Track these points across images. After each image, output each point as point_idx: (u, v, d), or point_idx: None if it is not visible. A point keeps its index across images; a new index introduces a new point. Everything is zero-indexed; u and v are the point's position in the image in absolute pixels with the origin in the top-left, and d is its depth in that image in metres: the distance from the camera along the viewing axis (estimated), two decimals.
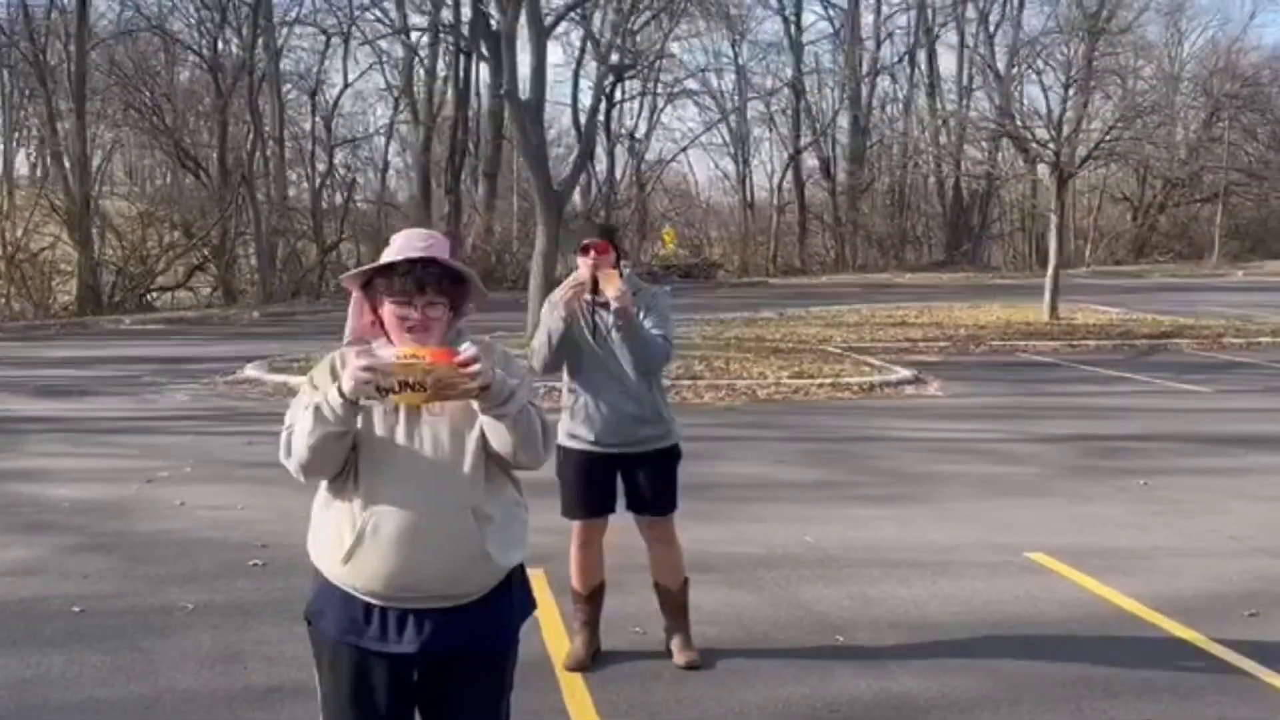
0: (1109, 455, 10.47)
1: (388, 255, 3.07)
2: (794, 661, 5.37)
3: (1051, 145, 24.26)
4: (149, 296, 33.09)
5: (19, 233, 31.08)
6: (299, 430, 2.99)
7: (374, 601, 3.03)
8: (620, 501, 5.34)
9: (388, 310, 3.05)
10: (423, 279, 3.00)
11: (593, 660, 5.24)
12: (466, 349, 2.92)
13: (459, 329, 3.16)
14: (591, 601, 5.33)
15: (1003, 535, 7.55)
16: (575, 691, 4.99)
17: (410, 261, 3.02)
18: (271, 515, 7.89)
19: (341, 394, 2.90)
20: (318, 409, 2.93)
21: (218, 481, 9.31)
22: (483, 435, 3.02)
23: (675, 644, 5.31)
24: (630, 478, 5.24)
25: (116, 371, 17.24)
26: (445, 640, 3.03)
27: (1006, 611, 6.06)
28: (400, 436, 3.01)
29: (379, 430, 3.01)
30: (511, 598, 3.15)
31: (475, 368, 2.86)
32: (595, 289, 5.03)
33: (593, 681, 5.08)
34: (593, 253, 5.08)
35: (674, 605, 5.37)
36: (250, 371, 16.04)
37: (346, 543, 3.00)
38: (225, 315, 29.69)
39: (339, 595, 3.06)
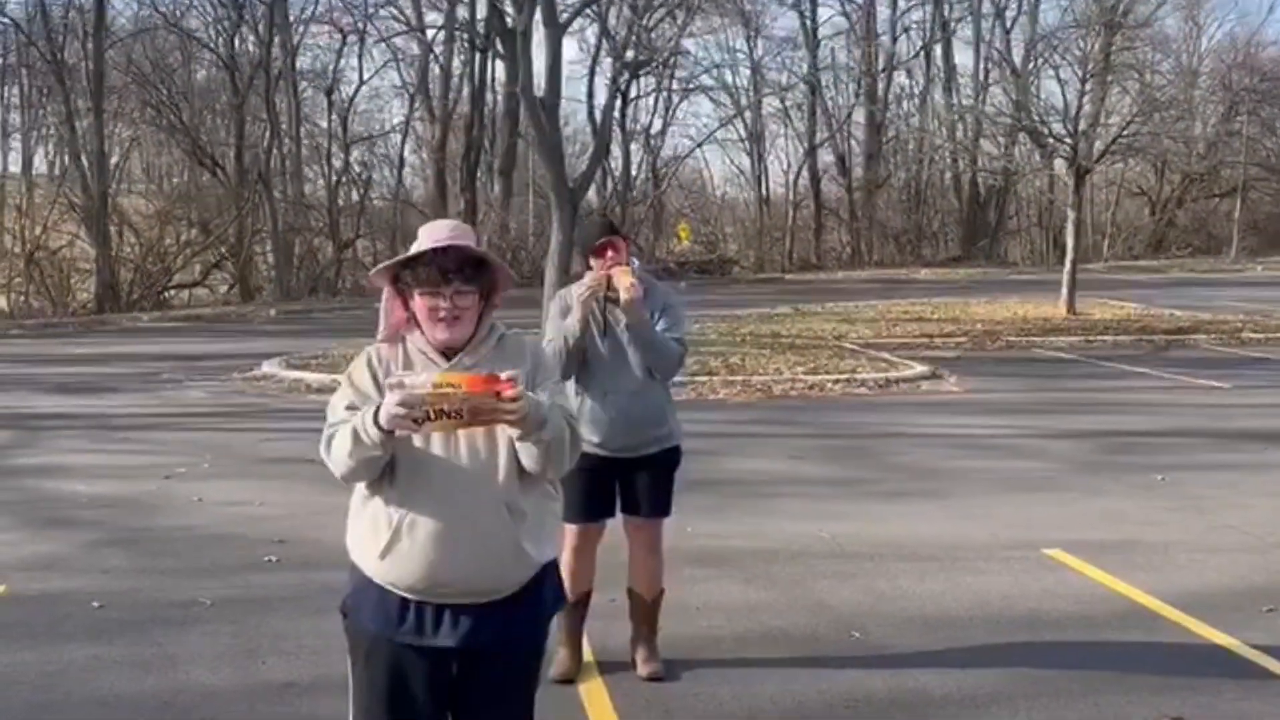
0: (1127, 451, 10.43)
1: (414, 248, 3.09)
2: (809, 656, 5.37)
3: (1068, 140, 24.16)
4: (166, 294, 33.18)
5: (38, 230, 31.21)
6: (338, 443, 3.00)
7: (410, 597, 3.05)
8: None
9: (419, 303, 3.06)
10: (446, 267, 3.02)
11: (579, 670, 5.12)
12: (509, 379, 2.87)
13: (493, 323, 3.17)
14: (579, 608, 5.17)
15: (1019, 531, 7.54)
16: (592, 687, 5.00)
17: (434, 251, 3.03)
18: (288, 511, 7.93)
19: (378, 424, 2.90)
20: (356, 433, 2.94)
21: (235, 477, 9.35)
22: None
23: (640, 654, 5.17)
24: (628, 479, 5.12)
25: (134, 368, 17.31)
26: (481, 635, 3.05)
27: (1023, 607, 6.05)
28: (436, 437, 3.02)
29: (415, 435, 3.01)
30: (544, 592, 3.17)
31: (515, 406, 2.84)
32: (611, 288, 4.98)
33: (609, 678, 5.09)
34: (610, 252, 5.04)
35: (644, 614, 5.23)
36: (267, 368, 16.10)
37: (383, 539, 3.03)
38: (242, 312, 29.78)
39: (376, 590, 3.08)
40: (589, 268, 5.14)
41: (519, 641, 3.14)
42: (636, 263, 5.23)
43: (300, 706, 4.79)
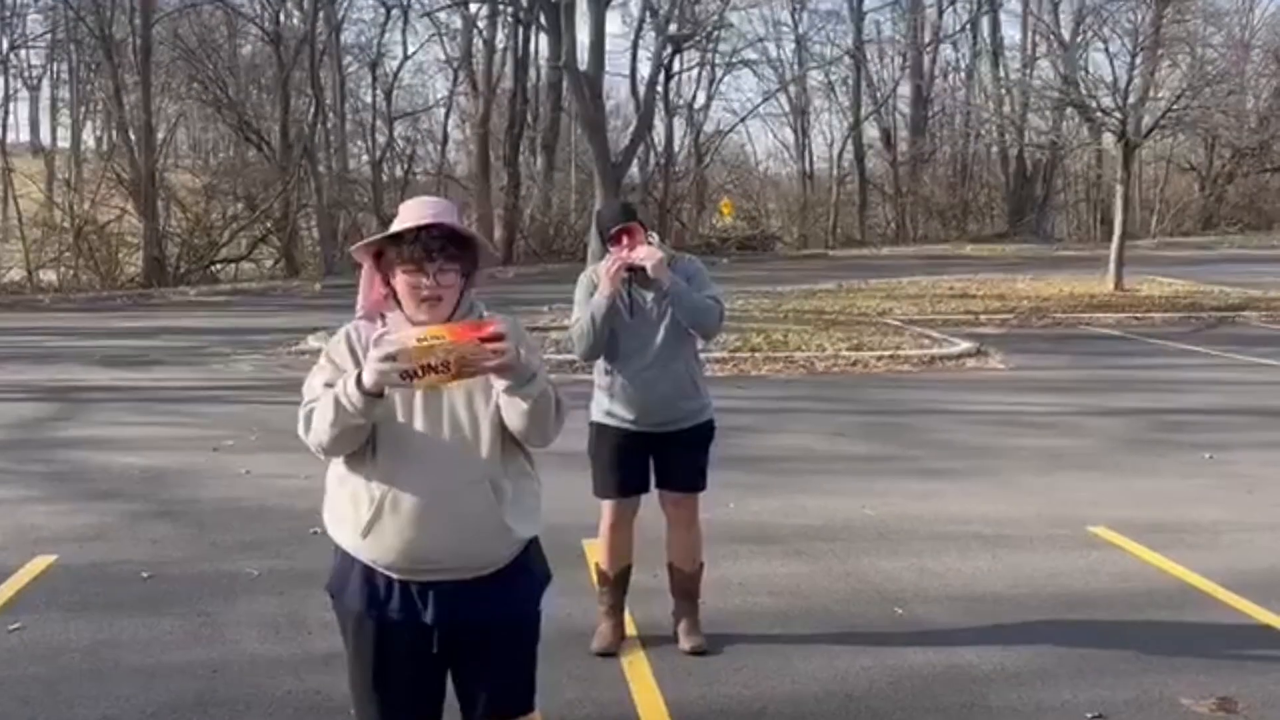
0: (1174, 429, 10.33)
1: (396, 225, 3.04)
2: (852, 633, 5.36)
3: (1117, 114, 23.86)
4: (213, 268, 33.46)
5: (86, 205, 31.55)
6: (319, 415, 2.94)
7: (394, 575, 3.03)
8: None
9: (400, 280, 3.01)
10: (430, 245, 2.97)
11: (621, 644, 5.15)
12: (492, 321, 2.86)
13: (473, 301, 3.13)
14: (619, 583, 5.22)
15: (1065, 508, 7.48)
16: (634, 660, 5.01)
17: (418, 229, 2.99)
18: None
19: (361, 388, 2.84)
20: (337, 401, 2.88)
21: (282, 450, 9.39)
22: (499, 409, 3.00)
23: (682, 628, 5.19)
24: (663, 454, 5.13)
25: (182, 342, 17.49)
26: (467, 611, 3.04)
27: (1068, 585, 6.01)
28: (418, 411, 3.00)
29: (397, 405, 2.99)
30: (531, 565, 3.15)
31: (501, 344, 2.81)
32: (633, 269, 4.98)
33: (651, 651, 5.10)
34: (625, 239, 5.03)
35: (685, 588, 5.26)
36: (313, 342, 16.20)
37: (365, 517, 3.00)
38: (288, 287, 30.00)
39: (360, 569, 3.07)
40: (607, 252, 5.13)
41: (506, 616, 3.10)
42: (656, 238, 5.22)
43: (344, 677, 4.81)
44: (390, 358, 2.77)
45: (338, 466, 3.09)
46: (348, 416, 2.88)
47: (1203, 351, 15.77)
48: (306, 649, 5.16)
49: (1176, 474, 8.57)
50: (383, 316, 3.09)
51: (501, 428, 3.02)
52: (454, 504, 2.97)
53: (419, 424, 3.00)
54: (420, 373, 2.77)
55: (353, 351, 3.04)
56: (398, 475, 2.98)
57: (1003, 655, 5.07)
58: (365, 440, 2.99)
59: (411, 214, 3.04)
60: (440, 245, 2.98)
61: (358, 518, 3.02)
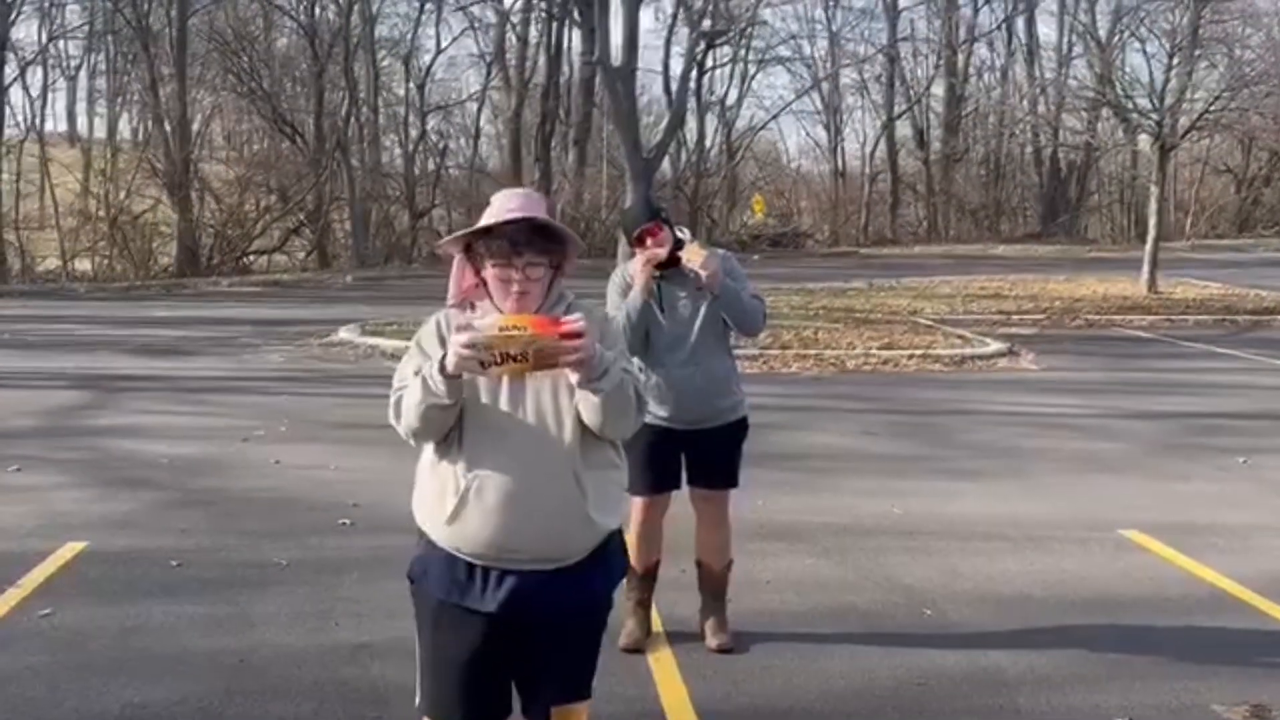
0: (1208, 433, 10.23)
1: (486, 217, 3.08)
2: (880, 633, 5.33)
3: (1153, 115, 23.66)
4: (245, 259, 33.65)
5: (121, 195, 31.77)
6: (407, 399, 3.00)
7: (477, 562, 3.06)
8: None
9: (490, 273, 3.06)
10: (518, 239, 3.01)
11: (648, 640, 5.14)
12: (573, 319, 2.89)
13: (562, 292, 3.16)
14: (647, 579, 5.21)
15: (1097, 511, 7.42)
16: (661, 657, 5.00)
17: (507, 223, 3.02)
18: (362, 476, 8.01)
19: (444, 371, 2.90)
20: (425, 383, 2.94)
21: (311, 441, 9.47)
22: None
23: (709, 625, 5.17)
24: (695, 451, 5.11)
25: (214, 332, 17.59)
26: (547, 601, 3.06)
27: (1099, 588, 5.96)
28: (504, 401, 3.03)
29: (483, 394, 3.02)
30: (610, 559, 3.18)
31: (579, 341, 2.84)
32: (661, 265, 4.97)
33: (678, 648, 5.09)
34: (649, 240, 5.01)
35: (713, 586, 5.24)
36: (344, 334, 16.28)
37: (450, 504, 3.03)
38: (319, 279, 30.12)
39: (442, 556, 3.09)
40: (634, 251, 5.12)
41: (582, 607, 3.15)
42: (687, 233, 5.20)
43: (372, 668, 4.84)
44: (471, 344, 2.82)
45: (429, 454, 3.12)
46: (432, 398, 2.93)
47: (1237, 355, 15.62)
48: (334, 640, 5.17)
49: (1209, 478, 8.49)
50: (472, 305, 3.13)
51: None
52: (538, 494, 3.00)
53: (504, 414, 3.02)
54: (500, 359, 2.82)
55: (442, 339, 3.07)
56: (483, 464, 3.01)
57: (1032, 658, 5.03)
58: (453, 428, 3.02)
59: (500, 207, 3.07)
60: (527, 239, 3.01)
61: (444, 505, 3.05)
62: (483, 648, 3.10)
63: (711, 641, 5.12)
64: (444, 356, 2.91)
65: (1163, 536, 6.80)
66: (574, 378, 2.95)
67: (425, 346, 3.10)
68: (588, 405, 2.99)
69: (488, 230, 3.05)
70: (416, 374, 3.01)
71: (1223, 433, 10.21)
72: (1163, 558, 6.49)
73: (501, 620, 3.06)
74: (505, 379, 2.99)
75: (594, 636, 3.23)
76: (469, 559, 3.06)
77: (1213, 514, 7.42)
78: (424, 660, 3.19)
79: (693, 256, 4.95)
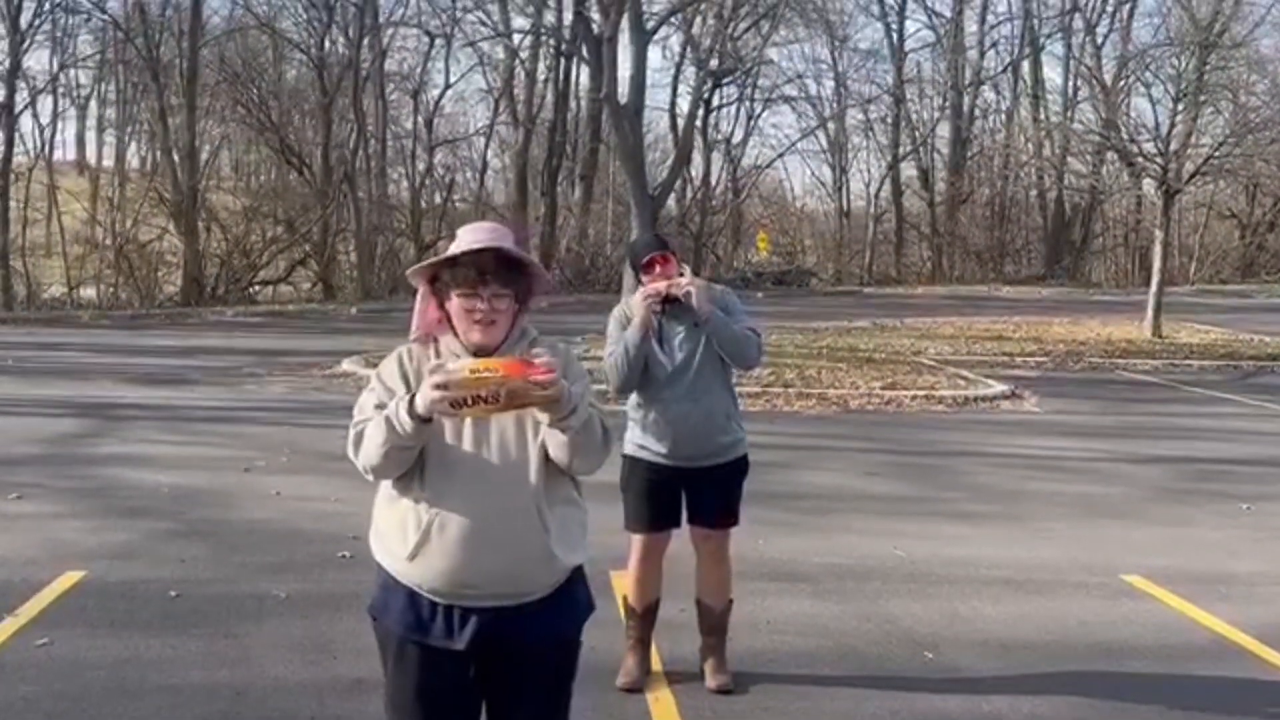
0: (1211, 478, 10.20)
1: (453, 248, 3.09)
2: (881, 676, 5.30)
3: (1158, 160, 23.72)
4: (251, 289, 33.71)
5: (128, 224, 31.88)
6: (369, 436, 2.98)
7: (438, 599, 3.03)
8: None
9: (455, 303, 3.06)
10: (485, 268, 3.01)
11: (647, 680, 5.11)
12: (543, 360, 2.89)
13: (525, 326, 3.16)
14: (646, 618, 5.18)
15: (1098, 556, 7.39)
16: (660, 697, 4.97)
17: (473, 252, 3.03)
18: (363, 509, 7.91)
19: (412, 413, 2.88)
20: (389, 422, 2.92)
21: (313, 473, 9.45)
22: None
23: (709, 665, 5.14)
24: (695, 489, 5.08)
25: (217, 362, 17.59)
26: (510, 638, 3.04)
27: (1101, 634, 5.93)
28: (467, 437, 3.02)
29: (447, 431, 3.01)
30: (577, 594, 3.16)
31: (550, 382, 2.83)
32: (666, 301, 4.98)
33: (678, 688, 5.06)
34: (658, 267, 5.03)
35: (713, 625, 5.20)
36: (347, 366, 16.28)
37: (411, 540, 3.01)
38: (324, 310, 30.16)
39: (403, 592, 3.07)
40: (640, 283, 5.13)
41: (547, 643, 3.11)
42: (689, 271, 5.22)
43: (369, 704, 4.80)
44: (442, 386, 2.81)
45: (387, 489, 3.11)
46: (397, 439, 2.92)
47: (1240, 400, 15.60)
48: (332, 673, 5.15)
49: (1212, 524, 8.46)
50: (435, 340, 3.12)
51: (549, 455, 3.03)
52: (500, 529, 2.98)
53: (468, 449, 3.01)
54: (470, 402, 2.82)
55: (404, 374, 3.07)
56: (445, 499, 2.99)
57: (1034, 704, 5.00)
58: (414, 463, 3.01)
59: (468, 238, 3.09)
60: (495, 269, 3.02)
61: (405, 541, 3.03)
62: (447, 684, 3.07)
63: (711, 682, 5.09)
64: (413, 397, 2.90)
65: (1166, 582, 6.77)
66: (543, 416, 2.94)
67: (386, 380, 3.09)
68: (556, 443, 2.98)
69: (455, 260, 3.05)
70: (377, 407, 2.99)
71: (1226, 479, 10.18)
72: (1165, 604, 6.46)
73: (465, 656, 3.04)
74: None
75: (562, 675, 3.19)
76: (430, 596, 3.04)
77: (1216, 561, 7.39)
78: (390, 698, 3.16)
79: (674, 286, 4.95)
